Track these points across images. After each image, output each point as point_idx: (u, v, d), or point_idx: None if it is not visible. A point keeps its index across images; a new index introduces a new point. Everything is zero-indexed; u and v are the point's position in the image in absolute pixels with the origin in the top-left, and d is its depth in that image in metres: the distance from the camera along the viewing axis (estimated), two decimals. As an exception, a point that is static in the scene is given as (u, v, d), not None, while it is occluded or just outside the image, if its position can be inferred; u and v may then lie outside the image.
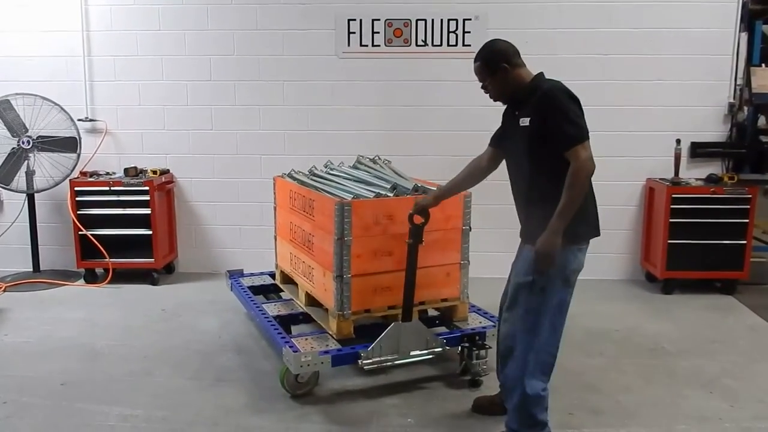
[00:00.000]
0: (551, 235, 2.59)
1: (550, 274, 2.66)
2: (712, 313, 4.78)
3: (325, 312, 3.73)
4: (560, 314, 2.75)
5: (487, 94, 2.97)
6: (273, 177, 4.52)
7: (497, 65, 2.82)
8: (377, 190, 3.64)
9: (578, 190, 2.58)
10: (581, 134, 2.58)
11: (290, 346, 3.35)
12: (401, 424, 3.15)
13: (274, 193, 4.47)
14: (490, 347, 3.48)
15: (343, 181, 4.00)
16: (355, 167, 4.41)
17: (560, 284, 2.71)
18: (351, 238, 3.42)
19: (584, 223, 2.74)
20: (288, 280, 4.39)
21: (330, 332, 3.58)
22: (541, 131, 2.64)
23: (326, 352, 3.32)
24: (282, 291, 4.47)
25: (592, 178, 2.73)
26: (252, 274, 4.85)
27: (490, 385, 3.39)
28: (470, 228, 3.76)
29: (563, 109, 2.60)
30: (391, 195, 3.58)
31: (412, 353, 3.40)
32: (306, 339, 3.53)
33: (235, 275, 4.78)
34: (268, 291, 4.63)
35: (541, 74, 2.82)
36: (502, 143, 3.08)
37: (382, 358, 3.33)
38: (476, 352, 3.49)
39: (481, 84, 2.93)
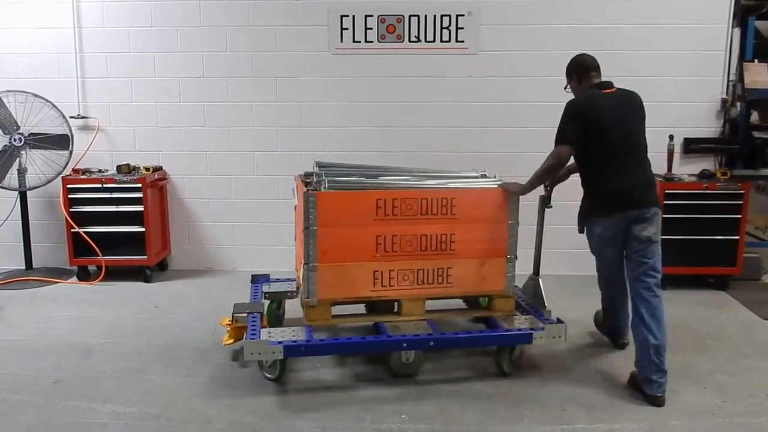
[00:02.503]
0: (518, 186, 3.73)
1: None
2: (705, 309, 4.80)
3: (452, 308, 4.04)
4: (600, 264, 3.87)
5: None
6: (310, 193, 3.54)
7: (570, 75, 3.78)
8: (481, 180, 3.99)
9: (541, 168, 3.61)
10: (558, 139, 3.55)
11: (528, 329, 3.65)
12: (395, 420, 3.15)
13: (314, 211, 3.52)
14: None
15: (406, 179, 3.93)
16: (326, 167, 4.07)
17: (592, 246, 3.79)
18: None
19: (593, 205, 3.63)
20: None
21: (495, 315, 3.84)
22: None
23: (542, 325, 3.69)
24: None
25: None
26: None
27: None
28: None
29: (560, 121, 3.57)
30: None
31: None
32: (521, 319, 3.83)
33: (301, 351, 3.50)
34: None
35: (596, 84, 3.66)
36: None
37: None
38: None
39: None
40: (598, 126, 3.44)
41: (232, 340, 3.76)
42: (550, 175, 3.69)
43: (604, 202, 3.53)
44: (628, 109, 3.55)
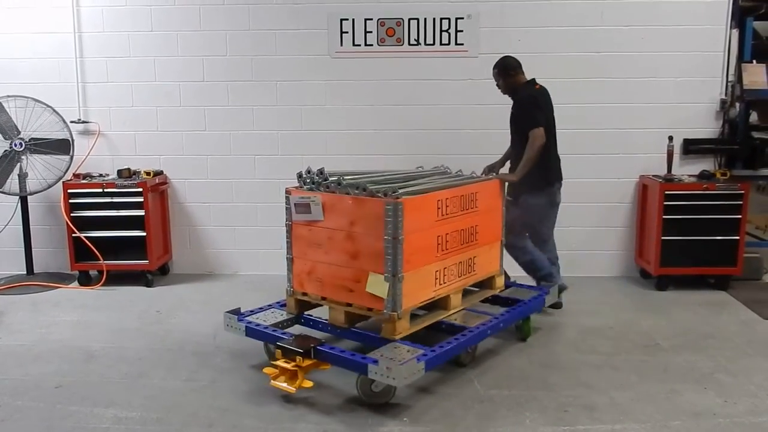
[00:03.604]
0: (512, 174, 4.46)
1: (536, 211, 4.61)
2: (706, 309, 4.80)
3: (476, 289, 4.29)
4: (546, 226, 4.68)
5: (499, 90, 4.64)
6: (397, 201, 3.37)
7: (507, 73, 4.52)
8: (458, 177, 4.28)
9: (531, 153, 4.30)
10: (535, 125, 4.31)
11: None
12: (396, 423, 3.15)
13: (402, 219, 3.36)
14: None
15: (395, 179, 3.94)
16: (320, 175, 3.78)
17: (541, 212, 4.59)
18: None
19: (544, 178, 4.47)
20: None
21: (496, 292, 4.29)
22: (517, 119, 4.50)
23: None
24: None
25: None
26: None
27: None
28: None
29: (528, 111, 4.41)
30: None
31: None
32: (518, 290, 4.46)
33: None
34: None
35: (528, 81, 4.55)
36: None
37: None
38: None
39: (496, 83, 4.60)
40: (545, 115, 4.41)
41: (311, 383, 3.32)
42: (539, 156, 4.31)
43: (552, 175, 4.52)
44: (550, 101, 4.55)
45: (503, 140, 5.45)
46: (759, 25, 5.52)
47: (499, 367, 3.79)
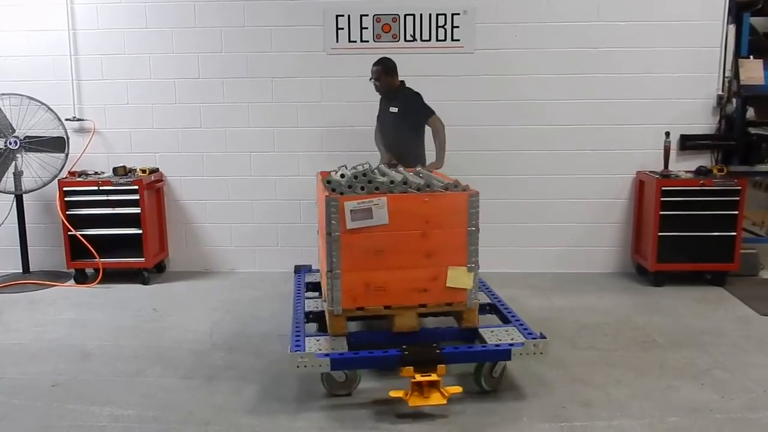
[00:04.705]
0: (437, 162, 4.77)
1: None
2: (703, 305, 4.80)
3: None
4: None
5: (375, 88, 4.91)
6: (473, 192, 3.43)
7: (394, 72, 4.87)
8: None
9: (443, 138, 4.79)
10: (432, 112, 4.82)
11: None
12: (394, 422, 3.15)
13: (479, 211, 3.44)
14: None
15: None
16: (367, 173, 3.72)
17: None
18: None
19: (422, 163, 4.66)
20: None
21: None
22: (407, 114, 4.84)
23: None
24: None
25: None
26: None
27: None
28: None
29: (421, 104, 4.84)
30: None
31: None
32: None
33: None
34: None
35: (402, 81, 4.93)
36: (379, 118, 5.09)
37: None
38: None
39: (374, 79, 4.87)
40: None
41: (460, 387, 3.25)
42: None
43: (424, 162, 4.77)
44: None
45: (500, 136, 5.48)
46: (756, 21, 5.52)
47: (496, 363, 3.79)
